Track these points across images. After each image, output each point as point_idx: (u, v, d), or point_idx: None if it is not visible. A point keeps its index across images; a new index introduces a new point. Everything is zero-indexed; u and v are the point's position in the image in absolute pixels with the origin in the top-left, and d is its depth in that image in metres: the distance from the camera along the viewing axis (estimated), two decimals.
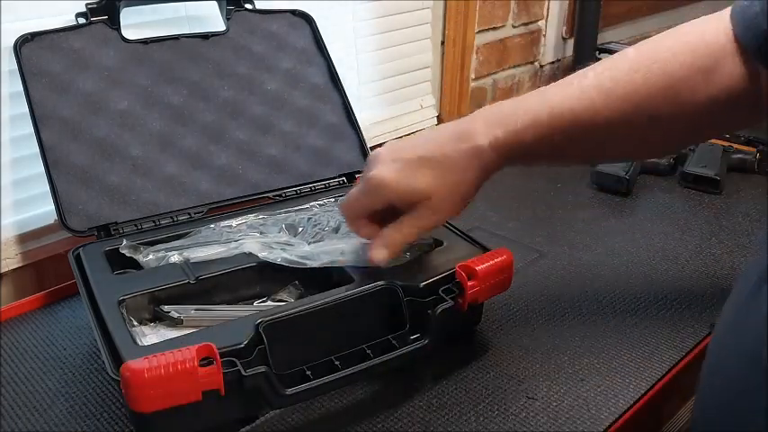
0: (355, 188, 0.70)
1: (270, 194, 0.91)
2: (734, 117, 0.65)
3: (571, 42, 1.63)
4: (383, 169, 0.67)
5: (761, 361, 0.46)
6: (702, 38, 0.61)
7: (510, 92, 1.57)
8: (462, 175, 0.66)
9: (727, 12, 0.61)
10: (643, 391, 0.71)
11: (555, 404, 0.70)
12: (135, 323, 0.69)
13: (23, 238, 0.90)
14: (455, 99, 1.40)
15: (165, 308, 0.70)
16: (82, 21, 0.89)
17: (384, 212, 0.69)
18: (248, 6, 1.00)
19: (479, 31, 1.41)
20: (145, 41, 0.91)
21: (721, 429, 0.50)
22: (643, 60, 0.63)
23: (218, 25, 0.98)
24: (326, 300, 0.66)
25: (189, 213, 0.85)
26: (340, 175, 0.96)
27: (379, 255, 0.68)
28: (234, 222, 0.82)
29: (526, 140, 0.65)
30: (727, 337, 0.53)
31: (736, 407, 0.49)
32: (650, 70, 0.62)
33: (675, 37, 0.64)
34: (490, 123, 0.66)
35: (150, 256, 0.76)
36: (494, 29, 1.46)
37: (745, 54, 0.59)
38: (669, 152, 0.74)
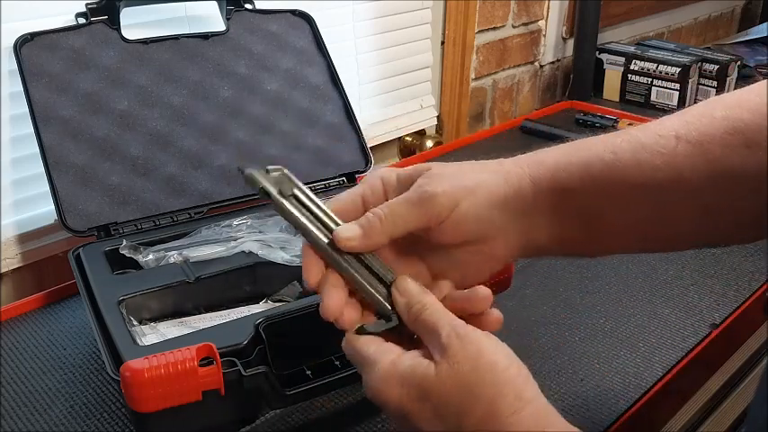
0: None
1: None
2: None
3: (571, 42, 1.63)
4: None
5: None
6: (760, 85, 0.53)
7: (510, 92, 1.57)
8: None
9: None
10: (643, 391, 0.71)
11: (555, 404, 0.69)
12: (135, 323, 0.69)
13: (23, 238, 0.90)
14: (455, 99, 1.40)
15: None
16: (82, 21, 0.89)
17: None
18: (248, 6, 1.00)
19: (479, 31, 1.41)
20: (145, 41, 0.91)
21: None
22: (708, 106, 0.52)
23: (218, 25, 0.98)
24: None
25: (189, 213, 0.85)
26: (340, 175, 0.96)
27: (346, 233, 0.49)
28: (234, 222, 0.82)
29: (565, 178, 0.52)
30: None
31: None
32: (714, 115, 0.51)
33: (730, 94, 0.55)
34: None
35: (150, 256, 0.76)
36: (494, 29, 1.46)
37: None
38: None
